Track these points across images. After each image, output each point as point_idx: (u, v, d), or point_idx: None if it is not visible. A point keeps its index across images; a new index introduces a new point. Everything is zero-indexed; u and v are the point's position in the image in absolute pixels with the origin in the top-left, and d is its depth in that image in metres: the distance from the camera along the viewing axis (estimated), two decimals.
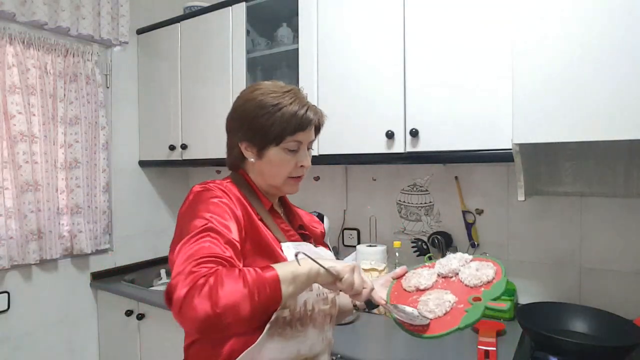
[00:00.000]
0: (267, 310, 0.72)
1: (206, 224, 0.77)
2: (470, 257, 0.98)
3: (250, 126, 0.91)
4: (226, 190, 0.88)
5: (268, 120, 0.89)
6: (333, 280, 0.79)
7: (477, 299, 0.87)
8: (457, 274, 0.97)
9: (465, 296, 0.90)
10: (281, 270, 0.73)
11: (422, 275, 0.99)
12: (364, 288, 0.81)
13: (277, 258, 0.88)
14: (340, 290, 0.83)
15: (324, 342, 0.93)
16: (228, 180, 0.95)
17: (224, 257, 0.73)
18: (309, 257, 0.78)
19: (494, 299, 0.85)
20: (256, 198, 0.94)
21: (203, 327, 0.65)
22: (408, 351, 1.26)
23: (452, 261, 0.99)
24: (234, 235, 0.80)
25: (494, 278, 0.91)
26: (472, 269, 0.95)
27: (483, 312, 0.83)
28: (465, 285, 0.93)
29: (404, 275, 1.01)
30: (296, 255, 0.77)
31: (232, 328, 0.68)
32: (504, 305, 0.86)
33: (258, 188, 0.96)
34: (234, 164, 0.99)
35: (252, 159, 0.93)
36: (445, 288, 0.93)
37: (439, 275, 0.98)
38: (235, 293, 0.67)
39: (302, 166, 0.94)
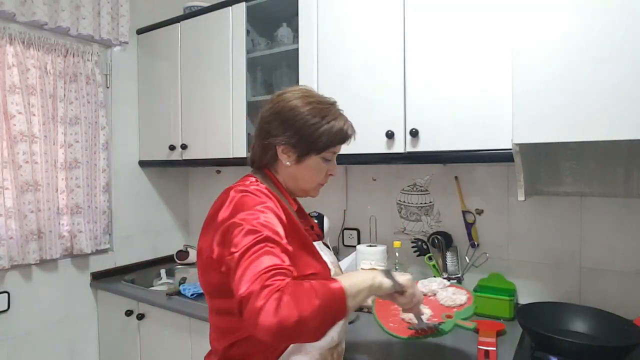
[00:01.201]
0: (334, 321, 0.73)
1: (262, 234, 0.78)
2: (448, 283, 1.25)
3: (298, 132, 0.93)
4: (266, 193, 0.90)
5: (317, 131, 0.94)
6: (395, 292, 0.86)
7: (449, 316, 1.12)
8: (435, 294, 1.21)
9: (439, 312, 1.14)
10: (346, 283, 0.76)
11: None
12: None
13: (317, 257, 0.96)
14: (397, 303, 0.90)
15: (345, 331, 1.04)
16: (257, 181, 0.95)
17: (286, 267, 0.75)
18: (376, 269, 0.85)
19: (464, 319, 1.10)
20: (284, 199, 0.97)
21: (278, 336, 0.68)
22: (408, 351, 1.26)
23: (432, 283, 1.25)
24: (285, 240, 0.82)
25: (465, 303, 1.16)
26: (449, 293, 1.18)
27: (453, 326, 1.06)
28: (441, 304, 1.17)
29: None
30: (361, 268, 0.86)
31: (303, 337, 0.72)
32: (471, 324, 1.09)
33: (285, 189, 0.99)
34: (263, 163, 1.00)
35: (289, 163, 0.96)
36: (424, 303, 1.14)
37: None
38: (308, 306, 0.69)
39: (330, 174, 1.02)
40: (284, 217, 0.88)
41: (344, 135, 0.97)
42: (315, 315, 0.69)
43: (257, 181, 0.95)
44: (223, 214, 0.85)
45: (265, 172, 1.00)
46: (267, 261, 0.74)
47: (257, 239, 0.77)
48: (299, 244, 0.91)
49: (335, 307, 0.72)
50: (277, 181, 0.99)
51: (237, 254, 0.76)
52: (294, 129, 0.93)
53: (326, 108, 0.96)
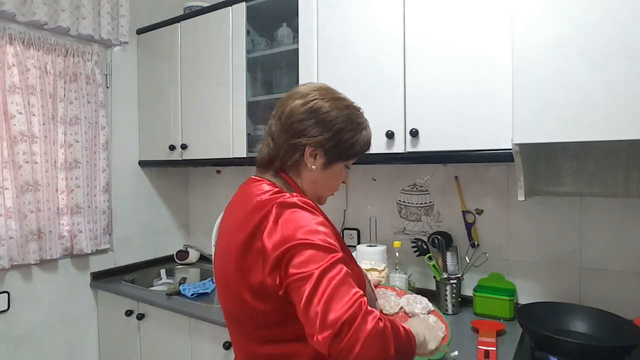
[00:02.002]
0: None
1: (338, 255, 0.74)
2: (432, 308, 1.20)
3: (335, 136, 0.88)
4: (313, 205, 0.83)
5: (353, 138, 0.90)
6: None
7: None
8: (414, 316, 1.18)
9: None
10: (421, 336, 0.82)
11: (389, 300, 1.15)
12: None
13: (354, 262, 0.93)
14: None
15: None
16: (271, 184, 0.88)
17: (362, 292, 0.73)
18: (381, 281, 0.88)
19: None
20: None
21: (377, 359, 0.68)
22: None
23: (417, 305, 1.21)
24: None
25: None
26: (431, 320, 1.13)
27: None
28: None
29: (377, 286, 1.09)
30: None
31: None
32: None
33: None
34: (286, 165, 0.90)
35: (314, 167, 0.89)
36: (403, 319, 1.12)
37: (401, 308, 1.19)
38: (406, 347, 0.74)
39: (343, 182, 0.99)
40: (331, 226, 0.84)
41: (370, 145, 0.96)
42: (407, 355, 0.75)
43: (274, 187, 0.87)
44: (272, 237, 0.76)
45: (281, 176, 0.91)
46: (354, 285, 0.72)
47: (335, 258, 0.73)
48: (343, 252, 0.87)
49: (409, 354, 0.76)
50: (297, 186, 0.91)
51: (315, 273, 0.70)
52: (333, 132, 0.87)
53: (359, 114, 0.93)
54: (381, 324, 0.68)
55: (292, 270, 0.73)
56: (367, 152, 0.98)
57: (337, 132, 0.88)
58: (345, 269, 0.73)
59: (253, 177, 0.95)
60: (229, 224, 0.90)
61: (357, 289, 0.71)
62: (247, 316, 0.84)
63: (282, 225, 0.76)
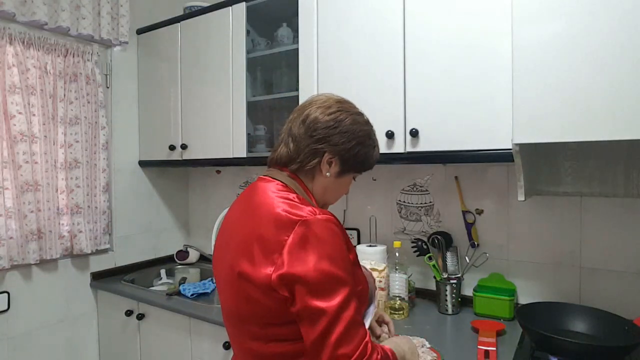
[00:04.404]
0: None
1: (351, 287, 0.80)
2: (428, 345, 1.25)
3: (354, 149, 0.93)
4: (336, 222, 0.85)
5: (368, 152, 0.97)
6: None
7: None
8: None
9: None
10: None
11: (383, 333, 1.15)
12: None
13: (361, 267, 0.96)
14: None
15: None
16: (286, 188, 0.90)
17: (367, 334, 0.81)
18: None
19: None
20: None
21: None
22: None
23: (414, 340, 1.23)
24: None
25: None
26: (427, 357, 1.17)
27: None
28: None
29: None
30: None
31: None
32: None
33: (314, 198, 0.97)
34: (304, 169, 0.93)
35: (328, 174, 0.93)
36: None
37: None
38: None
39: (345, 193, 1.04)
40: (345, 240, 0.87)
41: (374, 164, 1.01)
42: None
43: (287, 190, 0.90)
44: (298, 262, 0.78)
45: (293, 178, 0.94)
46: (361, 323, 0.80)
47: (347, 294, 0.79)
48: (353, 259, 0.90)
49: None
50: (308, 190, 0.94)
51: (331, 310, 0.77)
52: (353, 144, 0.93)
53: (374, 133, 1.00)
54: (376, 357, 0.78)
55: (307, 298, 0.78)
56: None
57: (356, 145, 0.94)
58: (355, 305, 0.79)
59: (263, 176, 0.97)
60: (237, 220, 0.92)
61: (364, 332, 0.79)
62: (252, 314, 0.85)
63: (306, 246, 0.80)
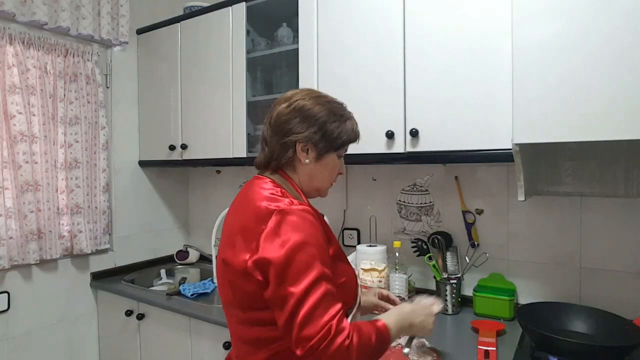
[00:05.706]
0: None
1: (321, 272, 0.82)
2: (428, 345, 1.25)
3: (321, 129, 0.95)
4: (310, 211, 0.88)
5: (338, 128, 0.97)
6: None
7: None
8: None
9: None
10: (393, 326, 0.91)
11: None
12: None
13: (346, 260, 0.98)
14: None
15: None
16: (274, 184, 0.94)
17: (341, 308, 0.82)
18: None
19: None
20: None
21: None
22: None
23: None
24: (329, 265, 0.86)
25: None
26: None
27: None
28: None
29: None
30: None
31: None
32: None
33: (302, 191, 0.99)
34: (281, 163, 0.97)
35: (307, 161, 0.96)
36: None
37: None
38: (374, 351, 0.84)
39: (340, 173, 1.04)
40: (323, 231, 0.89)
41: (357, 135, 1.02)
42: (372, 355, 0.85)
43: (275, 185, 0.94)
44: (271, 248, 0.82)
45: (279, 174, 0.99)
46: (330, 306, 0.80)
47: (319, 275, 0.81)
48: (333, 252, 0.92)
49: (384, 350, 0.88)
50: (294, 183, 0.98)
51: (298, 293, 0.79)
52: (317, 126, 0.94)
53: (341, 107, 1.00)
54: (347, 342, 0.78)
55: (278, 281, 0.81)
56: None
57: (322, 125, 0.95)
58: (321, 292, 0.80)
59: (257, 175, 1.02)
60: (229, 216, 0.98)
61: (336, 311, 0.80)
62: (235, 298, 0.91)
63: (279, 233, 0.83)
